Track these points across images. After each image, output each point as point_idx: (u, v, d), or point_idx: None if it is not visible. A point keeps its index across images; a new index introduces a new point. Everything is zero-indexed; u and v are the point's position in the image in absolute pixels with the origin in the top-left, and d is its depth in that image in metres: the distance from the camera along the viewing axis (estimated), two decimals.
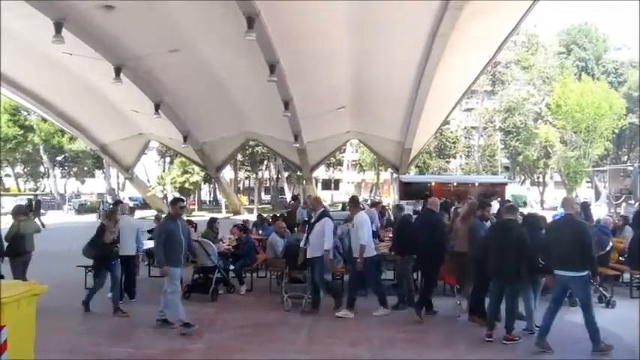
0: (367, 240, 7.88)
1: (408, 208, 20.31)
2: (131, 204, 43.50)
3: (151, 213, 28.66)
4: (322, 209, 8.52)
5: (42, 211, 28.43)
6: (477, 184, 25.10)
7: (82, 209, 39.86)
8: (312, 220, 8.33)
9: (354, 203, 8.59)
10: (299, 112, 23.33)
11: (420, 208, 19.03)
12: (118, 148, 32.45)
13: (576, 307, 8.36)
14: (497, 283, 6.77)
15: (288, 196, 43.96)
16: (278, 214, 14.83)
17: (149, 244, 11.53)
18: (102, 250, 7.94)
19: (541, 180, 50.71)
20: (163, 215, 10.09)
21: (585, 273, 6.17)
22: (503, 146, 49.58)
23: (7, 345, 4.24)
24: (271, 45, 16.36)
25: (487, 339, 6.60)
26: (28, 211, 9.52)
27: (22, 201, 29.19)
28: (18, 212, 8.94)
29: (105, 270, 7.97)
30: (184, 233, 7.25)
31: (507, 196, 23.77)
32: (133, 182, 37.25)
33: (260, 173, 52.41)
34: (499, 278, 6.71)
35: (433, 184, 25.52)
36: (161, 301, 7.12)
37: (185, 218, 12.22)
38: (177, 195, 40.66)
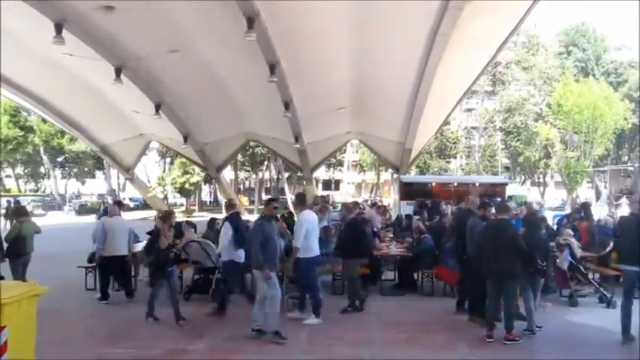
0: (303, 241, 7.39)
1: (409, 208, 20.40)
2: (132, 205, 43.57)
3: (151, 213, 28.69)
4: (231, 212, 8.38)
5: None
6: (477, 184, 25.12)
7: (83, 210, 39.89)
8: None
9: (299, 201, 8.28)
10: (299, 113, 23.29)
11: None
12: (119, 148, 32.42)
13: (576, 308, 8.41)
14: (493, 284, 6.75)
15: (289, 196, 43.96)
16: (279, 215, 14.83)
17: None
18: (158, 257, 7.38)
19: (541, 180, 50.70)
20: (161, 215, 9.94)
21: None
22: (503, 146, 49.58)
23: (7, 346, 4.24)
24: (271, 45, 16.34)
25: (487, 339, 6.60)
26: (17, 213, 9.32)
27: (23, 202, 29.29)
28: (18, 213, 8.94)
29: (162, 277, 7.36)
30: (277, 235, 6.87)
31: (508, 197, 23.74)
32: (133, 183, 37.21)
33: (260, 174, 52.42)
34: (495, 278, 6.71)
35: (434, 184, 25.56)
36: (255, 309, 6.77)
37: (185, 219, 12.25)
38: (177, 195, 40.66)
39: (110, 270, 8.81)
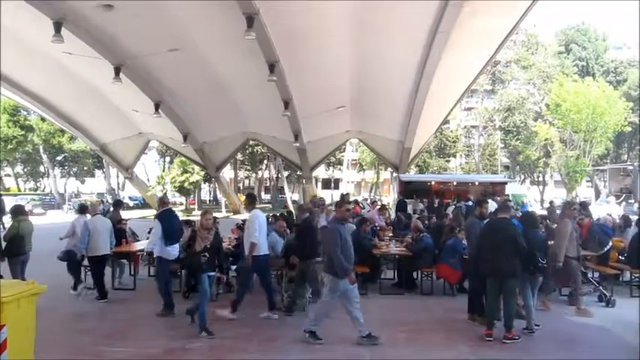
0: (257, 238, 7.45)
1: (409, 207, 20.39)
2: (131, 204, 43.34)
3: (151, 212, 28.67)
4: (162, 209, 8.30)
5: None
6: (476, 183, 25.16)
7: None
8: None
9: (249, 200, 8.37)
10: (299, 112, 23.30)
11: (420, 207, 19.13)
12: (118, 147, 32.43)
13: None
14: (493, 283, 6.75)
15: (288, 195, 43.97)
16: (278, 214, 14.82)
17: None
18: (191, 260, 7.00)
19: (541, 179, 50.74)
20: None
21: None
22: (503, 145, 49.60)
23: (7, 344, 4.24)
24: (271, 44, 16.33)
25: (487, 338, 6.60)
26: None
27: (22, 201, 29.27)
28: (17, 212, 8.92)
29: (198, 283, 6.88)
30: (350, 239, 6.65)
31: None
32: (132, 182, 37.25)
33: (260, 173, 52.42)
34: (495, 278, 6.70)
35: (433, 183, 25.57)
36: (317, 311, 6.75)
37: (185, 218, 12.20)
38: (177, 194, 40.43)
39: (93, 270, 8.78)
